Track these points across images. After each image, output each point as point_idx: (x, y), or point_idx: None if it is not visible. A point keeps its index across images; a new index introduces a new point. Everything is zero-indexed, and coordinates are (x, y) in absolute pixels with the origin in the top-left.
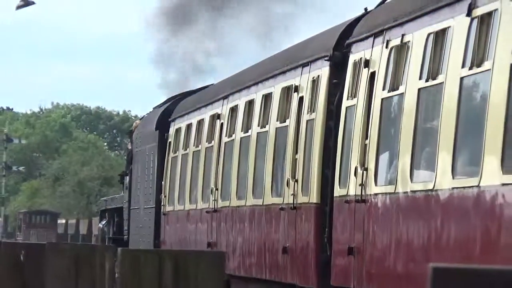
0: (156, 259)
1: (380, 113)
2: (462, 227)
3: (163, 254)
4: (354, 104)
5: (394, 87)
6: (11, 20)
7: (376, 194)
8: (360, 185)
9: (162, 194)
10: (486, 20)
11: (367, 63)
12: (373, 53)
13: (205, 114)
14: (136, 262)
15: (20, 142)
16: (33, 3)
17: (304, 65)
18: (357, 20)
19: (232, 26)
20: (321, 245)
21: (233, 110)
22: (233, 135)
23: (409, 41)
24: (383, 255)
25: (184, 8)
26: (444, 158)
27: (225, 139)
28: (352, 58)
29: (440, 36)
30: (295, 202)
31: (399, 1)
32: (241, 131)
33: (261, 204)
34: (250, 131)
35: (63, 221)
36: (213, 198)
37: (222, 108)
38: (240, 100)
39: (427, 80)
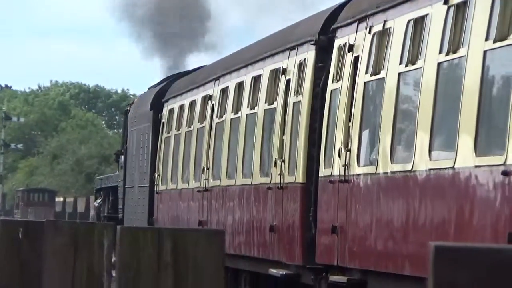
0: (155, 237)
1: (363, 96)
2: (438, 206)
3: (163, 232)
4: (339, 87)
5: (376, 71)
6: None
7: (358, 175)
8: (343, 165)
9: (156, 173)
10: (461, 8)
11: (351, 48)
12: (357, 38)
13: (197, 95)
14: (135, 240)
15: (18, 120)
16: None
17: (291, 49)
18: (343, 5)
19: None
20: (307, 224)
21: (224, 91)
22: (224, 116)
23: (390, 27)
24: (365, 233)
25: None
26: (422, 141)
27: (216, 120)
28: (337, 42)
29: (419, 23)
30: (282, 182)
31: None
32: (232, 112)
33: (250, 183)
34: (240, 112)
35: (61, 199)
36: (204, 178)
37: (214, 90)
38: (230, 82)
39: (407, 65)
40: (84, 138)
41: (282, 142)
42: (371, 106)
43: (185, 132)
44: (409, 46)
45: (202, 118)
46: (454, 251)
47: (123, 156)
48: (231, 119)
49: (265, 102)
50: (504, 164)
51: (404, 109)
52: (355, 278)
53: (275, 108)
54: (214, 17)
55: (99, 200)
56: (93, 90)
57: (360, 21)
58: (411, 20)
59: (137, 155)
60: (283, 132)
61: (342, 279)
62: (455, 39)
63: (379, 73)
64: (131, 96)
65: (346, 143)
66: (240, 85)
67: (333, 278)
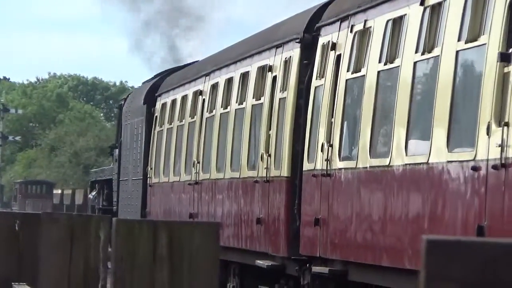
0: (151, 230)
1: (345, 93)
2: (413, 200)
3: (158, 225)
4: (322, 84)
5: (357, 69)
6: None
7: (340, 169)
8: (326, 160)
9: (149, 167)
10: (436, 10)
11: (334, 46)
12: (339, 36)
13: (189, 90)
14: (130, 232)
15: (16, 112)
16: None
17: (277, 46)
18: (327, 4)
19: None
20: (291, 217)
21: (214, 87)
22: (214, 111)
23: (370, 27)
24: (345, 226)
25: None
26: (399, 137)
27: (206, 114)
28: (321, 41)
29: (397, 23)
30: (268, 176)
31: None
32: (221, 107)
33: (238, 177)
34: (229, 107)
35: (59, 191)
36: (195, 171)
37: (204, 85)
38: (220, 78)
39: (385, 64)
40: (82, 130)
41: (268, 136)
42: (352, 102)
43: (177, 126)
44: (388, 45)
45: (193, 113)
46: (446, 245)
47: (117, 150)
48: (220, 114)
49: (253, 98)
50: (474, 159)
51: (383, 106)
52: (337, 269)
53: (262, 103)
54: None
55: (94, 193)
56: (91, 82)
57: (342, 20)
58: (390, 20)
59: (131, 148)
60: (269, 127)
61: (324, 270)
62: (430, 39)
63: (359, 71)
64: (129, 88)
65: (329, 138)
66: (229, 81)
67: (316, 269)
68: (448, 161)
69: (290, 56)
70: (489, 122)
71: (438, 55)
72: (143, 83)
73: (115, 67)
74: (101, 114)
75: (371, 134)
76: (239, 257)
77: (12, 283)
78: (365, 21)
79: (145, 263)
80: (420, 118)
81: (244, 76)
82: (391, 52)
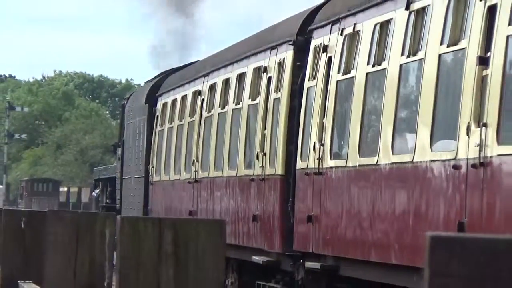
0: (156, 227)
1: (335, 94)
2: (399, 197)
3: (163, 222)
4: (314, 85)
5: (346, 71)
6: None
7: (331, 167)
8: (317, 159)
9: (150, 165)
10: (421, 14)
11: (325, 48)
12: (330, 39)
13: (188, 90)
14: (135, 230)
15: (22, 110)
16: None
17: (272, 48)
18: (320, 7)
19: None
20: (286, 214)
21: (212, 87)
22: (212, 111)
23: (359, 30)
24: (336, 222)
25: None
26: (386, 136)
27: (205, 114)
28: (313, 43)
29: (384, 27)
30: (263, 174)
31: None
32: (219, 107)
33: (235, 175)
34: (226, 107)
35: (65, 189)
36: (194, 169)
37: (203, 85)
38: (218, 78)
39: (373, 66)
40: (88, 128)
41: (263, 136)
42: (342, 103)
43: (177, 125)
44: (376, 48)
45: (192, 112)
46: (449, 242)
47: (120, 148)
48: (218, 113)
49: (249, 98)
50: (454, 159)
51: (371, 107)
52: (328, 264)
53: (257, 103)
54: None
55: (97, 190)
56: (97, 80)
57: (333, 23)
58: (377, 23)
59: (133, 147)
60: (264, 126)
61: (316, 265)
62: (415, 42)
63: (349, 72)
64: (135, 86)
65: (320, 138)
66: (226, 82)
67: (309, 264)
68: (431, 160)
69: (284, 58)
70: (468, 122)
71: (422, 58)
72: (145, 82)
73: (121, 65)
74: (107, 112)
75: (360, 133)
76: (237, 253)
77: (18, 281)
78: (355, 24)
79: (150, 260)
80: (405, 118)
81: (241, 77)
82: (379, 55)
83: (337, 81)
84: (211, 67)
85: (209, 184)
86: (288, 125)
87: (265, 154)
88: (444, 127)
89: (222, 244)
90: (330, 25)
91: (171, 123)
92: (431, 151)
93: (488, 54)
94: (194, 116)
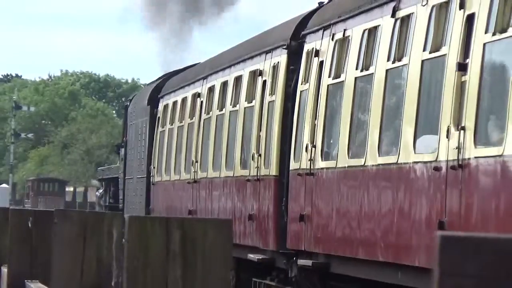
0: (163, 227)
1: (326, 98)
2: (385, 197)
3: (171, 222)
4: (307, 89)
5: (337, 75)
6: None
7: (322, 168)
8: (309, 160)
9: (152, 165)
10: (405, 22)
11: (317, 53)
12: (322, 44)
13: (188, 93)
14: (143, 229)
15: (29, 109)
16: None
17: (267, 52)
18: (312, 12)
19: None
20: (280, 213)
21: (211, 90)
22: (210, 113)
23: (349, 36)
24: (326, 221)
25: None
26: (373, 139)
27: (204, 116)
28: (306, 47)
29: (372, 33)
30: (258, 174)
31: None
32: (217, 109)
33: (232, 175)
34: (224, 109)
35: (71, 188)
36: (194, 170)
37: (202, 88)
38: (216, 81)
39: (361, 71)
40: (95, 127)
41: (258, 137)
42: (332, 106)
43: (178, 127)
44: (364, 53)
45: (192, 114)
46: (459, 241)
47: (123, 149)
48: (216, 115)
49: (245, 101)
50: (435, 160)
51: (359, 110)
52: (320, 262)
53: (253, 106)
54: None
55: (101, 190)
56: (104, 80)
57: (325, 28)
58: (366, 29)
59: (136, 147)
60: (260, 128)
61: (308, 262)
62: (400, 48)
63: (339, 76)
64: (141, 86)
65: (312, 140)
66: (224, 84)
67: (301, 262)
68: (414, 162)
69: (278, 62)
70: (448, 126)
71: (406, 64)
72: (147, 84)
73: (127, 64)
74: (113, 112)
75: (349, 136)
76: (234, 252)
77: (25, 281)
78: (345, 30)
79: (158, 259)
80: (391, 121)
81: (238, 80)
82: (367, 60)
83: (328, 85)
84: (210, 70)
85: (207, 184)
86: (282, 127)
87: (260, 155)
88: (426, 130)
89: (229, 243)
90: (322, 30)
91: (171, 124)
92: (414, 153)
93: (467, 60)
94: (194, 118)
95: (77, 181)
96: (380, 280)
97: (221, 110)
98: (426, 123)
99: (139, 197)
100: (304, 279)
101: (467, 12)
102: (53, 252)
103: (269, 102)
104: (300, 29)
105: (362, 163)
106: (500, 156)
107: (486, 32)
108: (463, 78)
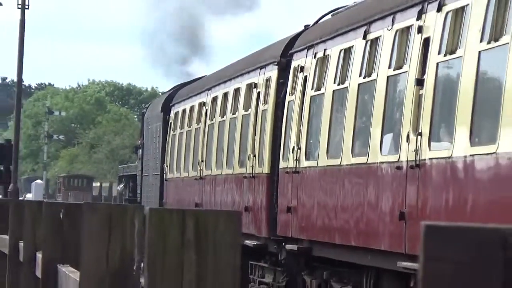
0: (180, 217)
1: (309, 107)
2: (356, 192)
3: (186, 213)
4: (293, 99)
5: (318, 88)
6: (53, 6)
7: (305, 167)
8: (295, 160)
9: (165, 164)
10: (374, 43)
11: (302, 69)
12: (306, 61)
13: (195, 102)
14: (162, 220)
15: (60, 114)
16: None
17: (261, 67)
18: (298, 34)
19: None
20: (271, 205)
21: (214, 99)
22: (214, 119)
23: (328, 54)
24: (309, 212)
25: None
26: (347, 142)
27: (208, 122)
28: (293, 64)
29: (347, 52)
30: (253, 172)
31: (324, 22)
32: (219, 116)
33: (232, 173)
34: (225, 116)
35: (98, 184)
36: (200, 168)
37: (207, 98)
38: (219, 92)
39: (339, 84)
40: (118, 130)
41: (253, 141)
42: (315, 114)
43: (186, 131)
44: (341, 70)
45: (198, 120)
46: (443, 230)
47: (140, 150)
48: (219, 121)
49: (243, 109)
50: (398, 161)
51: (337, 118)
52: (304, 247)
53: (249, 114)
54: None
55: (121, 186)
56: (126, 88)
57: (309, 48)
58: (342, 49)
59: (151, 149)
60: (254, 133)
61: (294, 247)
62: (369, 66)
63: (320, 89)
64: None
65: (298, 142)
66: (225, 95)
67: (289, 246)
68: (381, 162)
69: (270, 76)
70: (408, 132)
71: (375, 79)
72: (162, 94)
73: (148, 74)
74: (135, 116)
75: (328, 139)
76: None
77: (57, 265)
78: (325, 49)
79: (175, 247)
80: (362, 128)
81: (237, 91)
82: (343, 75)
83: (311, 96)
84: (214, 82)
85: (211, 180)
86: (273, 132)
87: (255, 156)
88: (390, 135)
89: (238, 233)
90: (306, 49)
91: (181, 129)
92: (381, 154)
93: (424, 76)
94: (200, 123)
95: (103, 177)
96: (353, 262)
97: (222, 117)
98: (391, 129)
99: (154, 192)
100: (291, 261)
101: (424, 36)
102: (82, 240)
103: (263, 110)
104: (288, 48)
105: (339, 163)
106: (449, 157)
107: (439, 53)
108: (420, 92)
